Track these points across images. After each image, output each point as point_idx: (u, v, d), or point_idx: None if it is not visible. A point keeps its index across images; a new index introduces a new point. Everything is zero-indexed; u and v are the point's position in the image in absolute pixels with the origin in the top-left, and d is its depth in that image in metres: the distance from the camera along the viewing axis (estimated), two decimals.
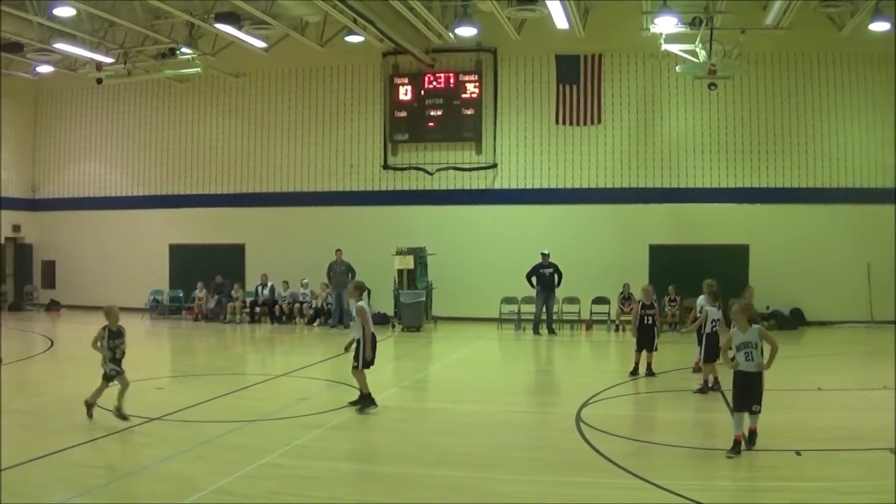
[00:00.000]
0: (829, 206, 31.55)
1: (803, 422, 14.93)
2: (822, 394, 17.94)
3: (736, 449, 12.40)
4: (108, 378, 14.39)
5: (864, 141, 31.87)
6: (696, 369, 19.71)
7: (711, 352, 17.86)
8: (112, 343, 14.53)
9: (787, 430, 13.88)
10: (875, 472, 11.54)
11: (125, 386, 14.41)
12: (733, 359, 12.62)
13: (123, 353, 14.68)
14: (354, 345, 15.91)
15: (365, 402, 15.63)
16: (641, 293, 20.67)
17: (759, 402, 12.48)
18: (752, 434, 12.66)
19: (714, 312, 18.24)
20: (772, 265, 30.50)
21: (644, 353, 20.16)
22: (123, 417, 14.16)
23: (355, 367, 15.74)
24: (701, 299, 18.85)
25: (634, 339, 20.36)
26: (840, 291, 29.85)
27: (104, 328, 14.60)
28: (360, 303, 15.92)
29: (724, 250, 31.70)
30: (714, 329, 18.10)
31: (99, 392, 14.44)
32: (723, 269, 30.60)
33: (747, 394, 12.52)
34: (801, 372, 20.05)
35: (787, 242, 31.36)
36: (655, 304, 20.51)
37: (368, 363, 15.82)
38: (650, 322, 20.12)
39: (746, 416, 12.55)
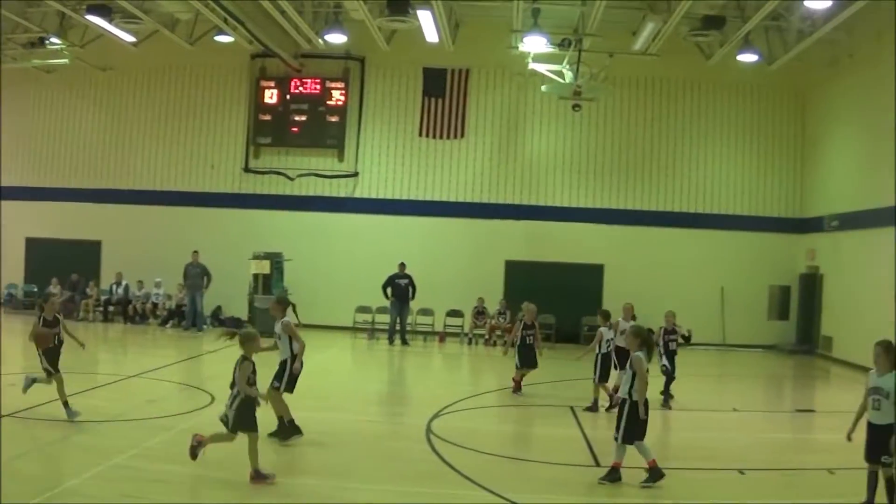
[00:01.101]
0: (685, 231, 32.51)
1: (654, 441, 15.22)
2: (673, 413, 18.33)
3: (611, 476, 12.20)
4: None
5: (723, 168, 32.97)
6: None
7: (605, 371, 18.37)
8: (252, 378, 11.68)
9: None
10: (722, 491, 11.84)
11: (255, 442, 11.56)
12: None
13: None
14: (279, 366, 14.07)
15: (288, 431, 13.95)
16: (525, 312, 20.71)
17: (616, 430, 12.17)
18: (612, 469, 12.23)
19: (607, 332, 18.51)
20: (626, 285, 30.86)
21: (520, 370, 20.26)
22: (266, 477, 11.43)
23: (276, 389, 13.85)
24: (621, 322, 19.01)
25: (517, 358, 20.23)
26: (694, 314, 30.05)
27: (248, 361, 11.68)
28: (286, 318, 14.48)
29: (579, 269, 32.25)
30: (608, 349, 18.39)
31: (220, 438, 11.85)
32: (577, 287, 31.42)
33: (617, 419, 12.30)
34: (653, 392, 20.38)
35: (643, 264, 32.10)
36: (535, 324, 20.62)
37: (291, 386, 14.01)
38: (530, 342, 20.21)
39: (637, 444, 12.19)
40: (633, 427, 12.11)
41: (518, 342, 20.33)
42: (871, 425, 10.98)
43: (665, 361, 19.21)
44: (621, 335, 18.51)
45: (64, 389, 14.58)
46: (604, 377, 18.40)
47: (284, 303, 14.72)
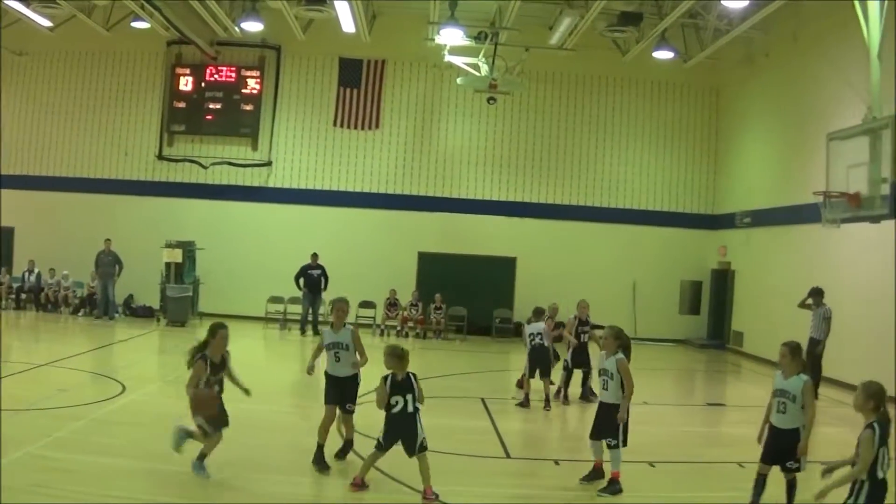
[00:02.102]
0: (598, 225, 32.96)
1: (565, 432, 15.41)
2: (584, 406, 18.41)
3: (590, 476, 12.08)
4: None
5: (636, 164, 33.51)
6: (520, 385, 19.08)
7: (533, 366, 18.19)
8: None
9: (548, 440, 14.32)
10: (633, 484, 11.88)
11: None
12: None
13: None
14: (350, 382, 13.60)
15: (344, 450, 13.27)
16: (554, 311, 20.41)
17: (612, 436, 11.75)
18: (605, 475, 11.94)
19: (528, 328, 18.57)
20: (538, 279, 31.26)
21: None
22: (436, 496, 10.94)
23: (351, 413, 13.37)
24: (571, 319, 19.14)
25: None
26: (606, 308, 29.90)
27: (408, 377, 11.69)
28: (352, 327, 13.47)
29: (491, 262, 32.48)
30: (538, 342, 18.36)
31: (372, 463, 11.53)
32: (490, 279, 31.62)
33: (597, 423, 12.12)
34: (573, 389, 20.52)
35: (556, 258, 32.45)
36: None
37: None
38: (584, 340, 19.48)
39: (604, 444, 11.92)
40: (593, 425, 12.10)
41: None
42: (773, 428, 10.68)
43: (568, 357, 19.00)
44: (584, 333, 18.74)
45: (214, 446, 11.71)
46: (538, 373, 18.24)
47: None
